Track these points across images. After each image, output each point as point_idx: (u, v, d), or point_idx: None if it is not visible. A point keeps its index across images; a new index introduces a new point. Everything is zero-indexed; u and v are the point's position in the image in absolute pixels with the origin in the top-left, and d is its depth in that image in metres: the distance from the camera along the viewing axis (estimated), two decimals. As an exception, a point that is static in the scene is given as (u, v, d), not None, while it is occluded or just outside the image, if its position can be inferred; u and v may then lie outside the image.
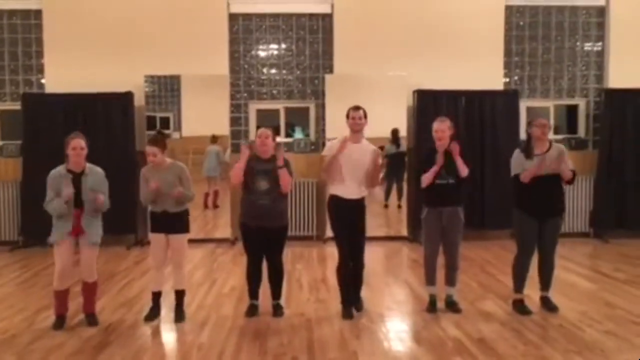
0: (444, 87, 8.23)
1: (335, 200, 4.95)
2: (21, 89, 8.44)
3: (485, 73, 8.46)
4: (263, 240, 4.95)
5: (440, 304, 5.16)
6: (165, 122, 11.70)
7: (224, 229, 8.55)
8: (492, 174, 8.26)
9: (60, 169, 4.75)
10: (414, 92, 8.39)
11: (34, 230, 7.81)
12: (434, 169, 4.92)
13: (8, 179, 8.28)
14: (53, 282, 4.80)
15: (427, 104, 8.27)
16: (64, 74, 8.24)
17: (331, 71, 8.63)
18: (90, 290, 4.90)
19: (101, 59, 8.20)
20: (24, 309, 5.27)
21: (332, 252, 7.97)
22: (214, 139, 10.06)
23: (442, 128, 5.01)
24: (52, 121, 7.92)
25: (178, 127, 11.95)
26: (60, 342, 4.43)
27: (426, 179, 4.97)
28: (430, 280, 5.20)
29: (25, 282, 6.31)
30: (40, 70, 8.47)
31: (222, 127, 9.04)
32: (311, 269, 6.90)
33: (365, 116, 4.93)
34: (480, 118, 8.41)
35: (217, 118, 9.33)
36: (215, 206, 9.03)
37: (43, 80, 8.46)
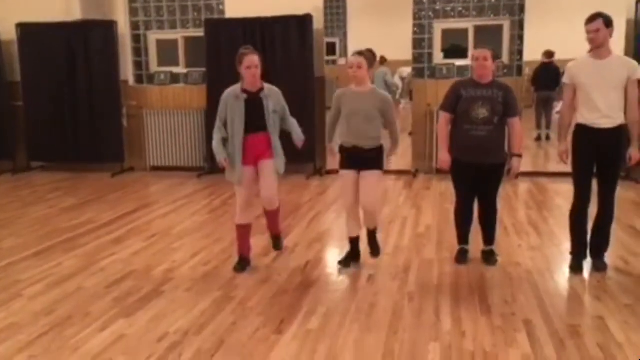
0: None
1: (582, 129, 4.10)
2: (203, 15, 8.36)
3: None
4: (477, 178, 4.30)
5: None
6: (331, 48, 11.22)
7: (401, 159, 8.02)
8: None
9: (236, 88, 4.22)
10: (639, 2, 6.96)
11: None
12: None
13: (193, 107, 8.38)
14: None
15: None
16: (242, -2, 8.01)
17: (532, -18, 7.46)
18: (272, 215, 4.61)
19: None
20: (220, 240, 5.22)
21: (526, 188, 7.12)
22: (383, 60, 9.41)
23: None
24: (233, 46, 7.72)
25: (344, 53, 11.43)
26: (261, 279, 4.25)
27: None
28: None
29: (216, 211, 6.33)
30: (220, -5, 8.31)
31: (397, 51, 8.34)
32: (510, 208, 6.13)
33: (608, 25, 3.93)
34: None
35: (387, 41, 8.63)
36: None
37: (222, 7, 8.29)
